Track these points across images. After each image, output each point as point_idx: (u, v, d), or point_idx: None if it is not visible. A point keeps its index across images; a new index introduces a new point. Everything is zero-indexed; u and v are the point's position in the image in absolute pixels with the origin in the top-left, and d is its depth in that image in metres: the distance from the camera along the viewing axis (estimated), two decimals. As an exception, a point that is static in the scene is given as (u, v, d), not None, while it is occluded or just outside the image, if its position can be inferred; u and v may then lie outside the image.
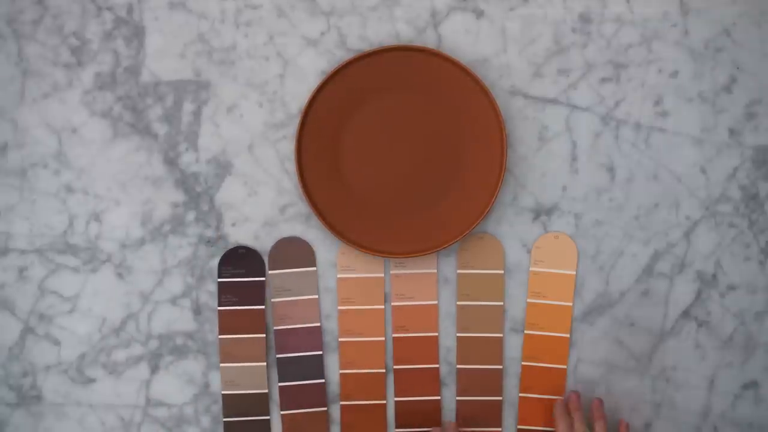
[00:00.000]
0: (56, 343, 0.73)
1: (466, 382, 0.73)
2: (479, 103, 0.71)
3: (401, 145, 0.73)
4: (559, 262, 0.73)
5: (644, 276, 0.73)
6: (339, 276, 0.73)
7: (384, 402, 0.73)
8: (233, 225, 0.73)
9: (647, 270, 0.73)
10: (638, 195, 0.73)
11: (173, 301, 0.73)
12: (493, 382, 0.73)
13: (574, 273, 0.73)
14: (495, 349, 0.73)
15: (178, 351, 0.73)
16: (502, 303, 0.73)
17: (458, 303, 0.73)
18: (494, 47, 0.73)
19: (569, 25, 0.73)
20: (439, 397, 0.73)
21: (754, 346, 0.73)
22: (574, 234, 0.73)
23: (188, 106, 0.73)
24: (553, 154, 0.73)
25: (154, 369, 0.73)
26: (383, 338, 0.73)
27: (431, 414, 0.73)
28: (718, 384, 0.73)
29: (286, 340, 0.73)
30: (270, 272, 0.73)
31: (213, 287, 0.73)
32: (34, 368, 0.73)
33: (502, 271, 0.73)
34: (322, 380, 0.73)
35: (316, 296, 0.73)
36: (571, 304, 0.73)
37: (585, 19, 0.73)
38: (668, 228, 0.73)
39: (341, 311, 0.73)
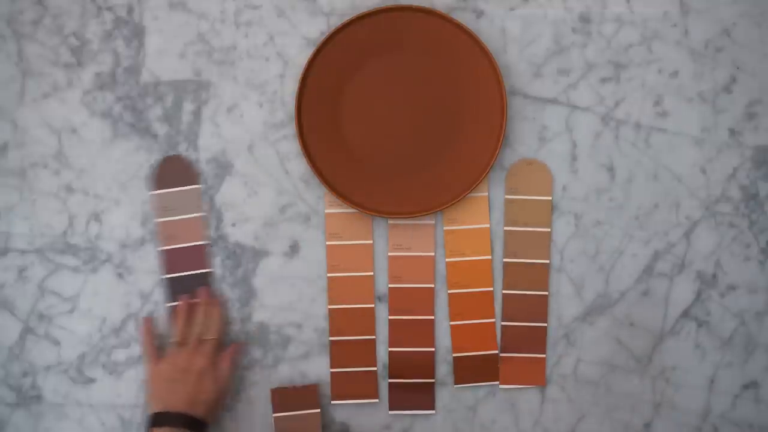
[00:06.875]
0: (56, 343, 0.73)
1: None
2: (478, 61, 0.71)
3: (401, 106, 0.72)
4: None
5: (644, 276, 0.73)
6: (328, 243, 0.73)
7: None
8: (233, 225, 0.73)
9: (647, 270, 0.73)
10: (638, 195, 0.73)
11: (173, 301, 0.73)
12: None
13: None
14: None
15: (178, 351, 0.73)
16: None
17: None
18: (494, 47, 0.73)
19: (569, 25, 0.73)
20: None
21: (754, 346, 0.73)
22: (574, 233, 0.73)
23: (188, 106, 0.73)
24: (553, 154, 0.73)
25: (154, 369, 0.73)
26: (372, 305, 0.73)
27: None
28: (718, 384, 0.73)
29: (172, 259, 0.73)
30: (152, 193, 0.73)
31: (212, 287, 0.73)
32: (34, 368, 0.73)
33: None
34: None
35: (200, 214, 0.73)
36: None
37: (585, 19, 0.73)
38: (668, 228, 0.73)
39: (330, 278, 0.73)
